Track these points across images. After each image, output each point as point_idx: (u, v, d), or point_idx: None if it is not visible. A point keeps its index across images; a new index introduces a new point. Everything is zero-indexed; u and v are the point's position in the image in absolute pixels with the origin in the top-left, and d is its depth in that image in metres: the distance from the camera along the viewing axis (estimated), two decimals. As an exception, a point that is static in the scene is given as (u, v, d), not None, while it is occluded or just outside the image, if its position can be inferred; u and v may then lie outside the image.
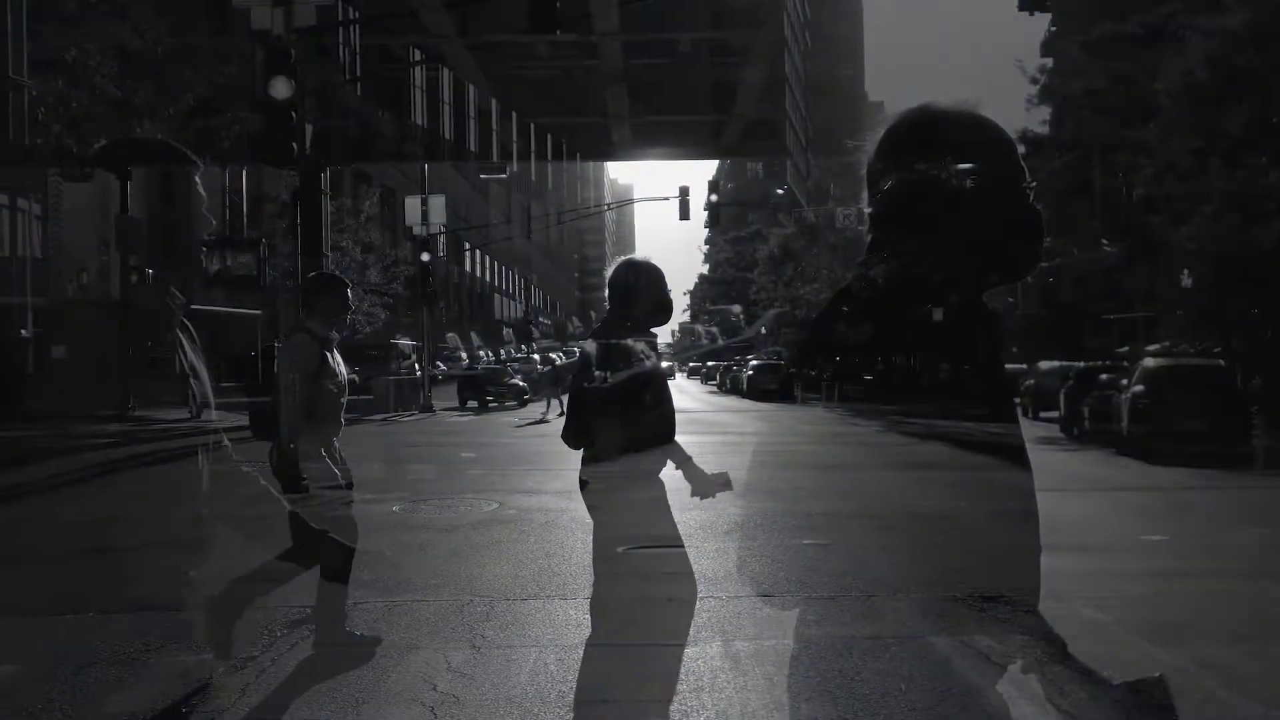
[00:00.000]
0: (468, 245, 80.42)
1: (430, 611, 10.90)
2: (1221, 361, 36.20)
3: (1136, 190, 39.69)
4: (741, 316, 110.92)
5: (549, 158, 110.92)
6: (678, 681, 8.67)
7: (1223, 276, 39.99)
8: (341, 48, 61.14)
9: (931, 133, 3.22)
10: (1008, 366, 3.42)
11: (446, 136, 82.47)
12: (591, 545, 9.10)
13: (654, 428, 7.56)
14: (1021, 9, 25.23)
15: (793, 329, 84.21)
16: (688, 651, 9.55)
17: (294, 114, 23.64)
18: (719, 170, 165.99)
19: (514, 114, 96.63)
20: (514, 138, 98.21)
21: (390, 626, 10.25)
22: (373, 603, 11.03)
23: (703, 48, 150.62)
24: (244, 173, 41.16)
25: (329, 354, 9.40)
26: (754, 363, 68.46)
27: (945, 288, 3.18)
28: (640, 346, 7.53)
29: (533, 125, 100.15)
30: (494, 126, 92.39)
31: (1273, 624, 10.28)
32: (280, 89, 23.26)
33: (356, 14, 58.02)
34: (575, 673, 8.83)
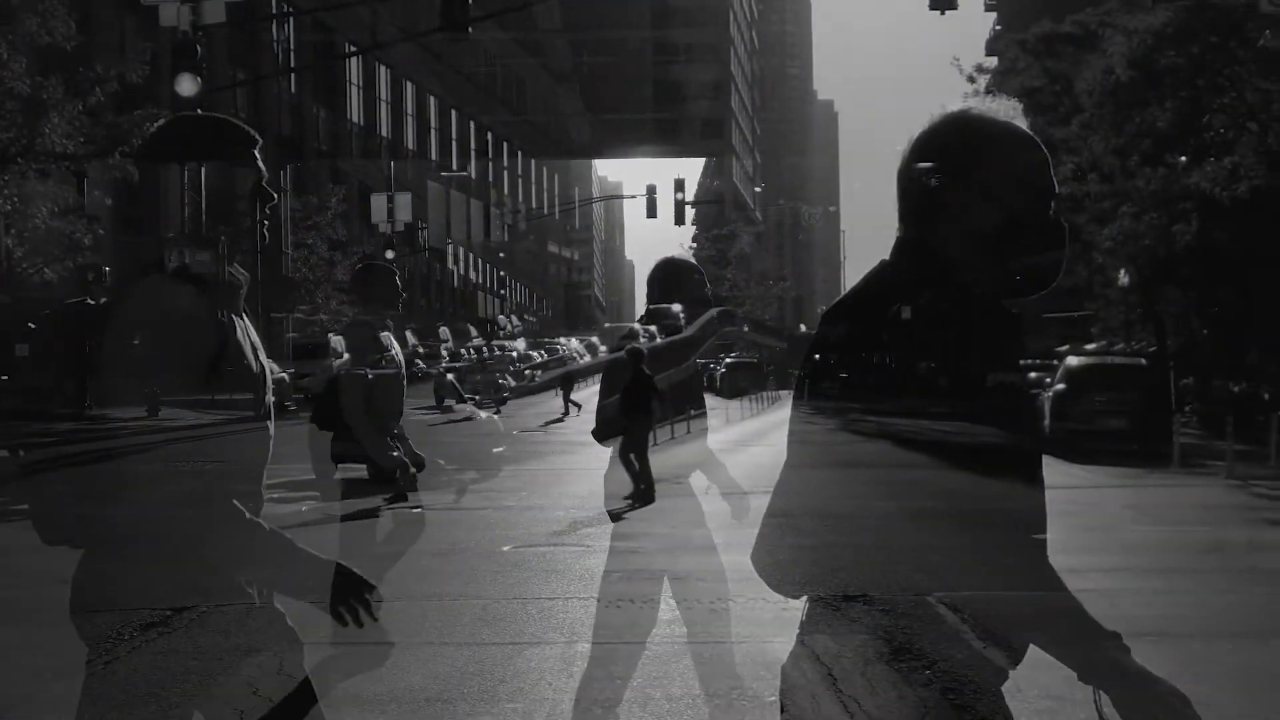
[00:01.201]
0: (449, 242, 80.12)
1: (291, 612, 10.79)
2: (1144, 360, 36.34)
3: (1060, 189, 39.78)
4: (682, 316, 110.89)
5: (520, 158, 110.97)
6: (498, 682, 8.62)
7: (1147, 276, 40.18)
8: (275, 44, 60.85)
9: (969, 137, 3.24)
10: None
11: (408, 141, 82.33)
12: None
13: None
14: (932, 8, 25.15)
15: (741, 328, 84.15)
16: (528, 651, 9.53)
17: (199, 110, 23.44)
18: (705, 167, 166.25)
19: (487, 116, 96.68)
20: (489, 140, 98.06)
21: (240, 629, 10.14)
22: (235, 605, 10.90)
23: (644, 44, 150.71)
24: (203, 169, 40.78)
25: (389, 342, 9.65)
26: (727, 360, 68.34)
27: (960, 288, 3.19)
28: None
29: (494, 126, 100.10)
30: (470, 132, 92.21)
31: (1119, 622, 10.25)
32: (186, 86, 23.09)
33: (290, 8, 57.78)
34: (404, 673, 8.79)
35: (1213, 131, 35.26)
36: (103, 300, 4.12)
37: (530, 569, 13.83)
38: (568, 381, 41.06)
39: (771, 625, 10.49)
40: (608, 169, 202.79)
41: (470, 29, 26.96)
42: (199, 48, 23.80)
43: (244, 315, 4.22)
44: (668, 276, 8.05)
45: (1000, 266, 3.21)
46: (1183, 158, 35.22)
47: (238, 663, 9.38)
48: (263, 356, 4.23)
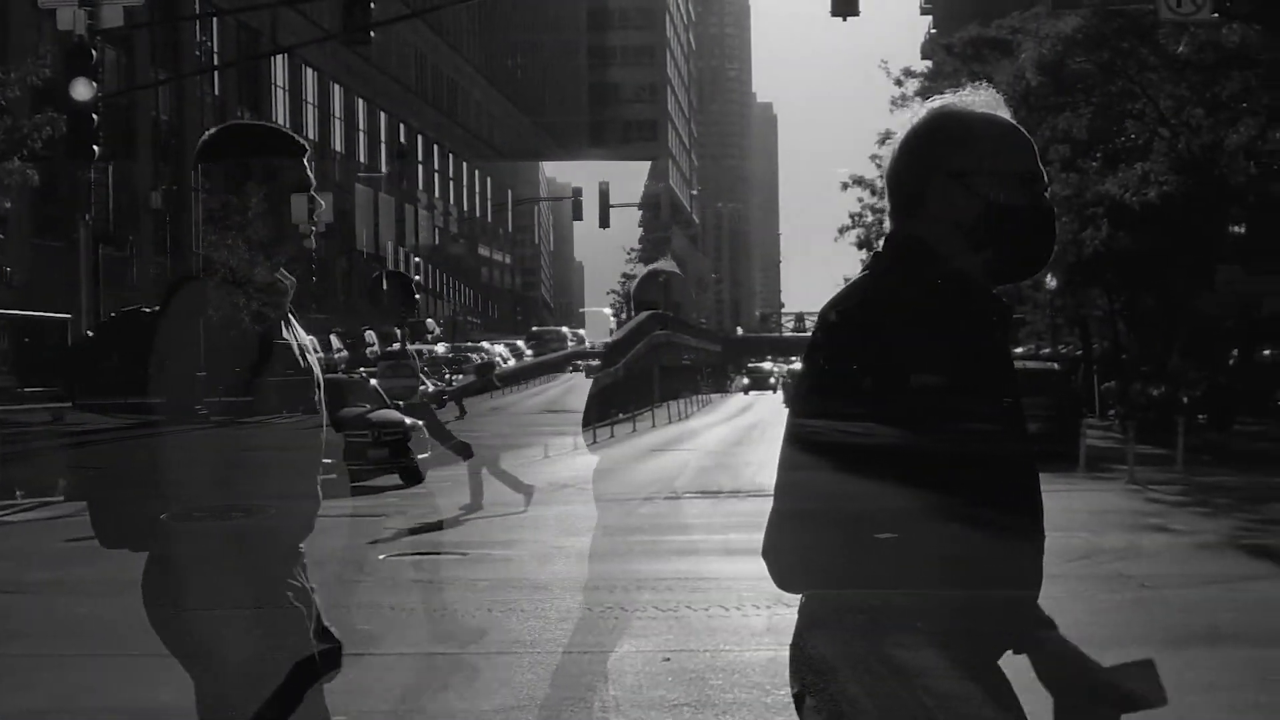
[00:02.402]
0: (390, 242, 80.00)
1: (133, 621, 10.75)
2: (1056, 365, 36.63)
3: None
4: (614, 321, 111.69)
5: (452, 160, 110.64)
6: (327, 693, 8.60)
7: (1064, 281, 40.45)
8: (198, 44, 60.56)
9: (951, 130, 3.24)
10: None
11: (335, 144, 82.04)
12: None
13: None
14: (834, 14, 25.18)
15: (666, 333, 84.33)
16: (367, 659, 9.53)
17: (95, 115, 23.40)
18: (651, 170, 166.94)
19: (417, 119, 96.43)
20: (419, 141, 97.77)
21: (87, 638, 10.21)
22: (101, 602, 10.93)
23: (579, 46, 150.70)
24: (110, 168, 40.81)
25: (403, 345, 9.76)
26: (660, 363, 68.49)
27: (951, 278, 3.22)
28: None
29: (425, 129, 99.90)
30: (400, 135, 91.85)
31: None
32: (81, 90, 23.01)
33: (211, 8, 57.50)
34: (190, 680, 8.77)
35: (1125, 137, 35.54)
36: (155, 308, 4.17)
37: (390, 577, 13.82)
38: (464, 392, 41.02)
39: (619, 633, 10.51)
40: (555, 170, 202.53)
41: (372, 33, 26.87)
42: (94, 51, 23.69)
43: (292, 316, 4.25)
44: (639, 285, 8.50)
45: (989, 254, 3.23)
46: (1094, 163, 35.50)
47: (59, 663, 9.38)
48: (312, 358, 4.29)
